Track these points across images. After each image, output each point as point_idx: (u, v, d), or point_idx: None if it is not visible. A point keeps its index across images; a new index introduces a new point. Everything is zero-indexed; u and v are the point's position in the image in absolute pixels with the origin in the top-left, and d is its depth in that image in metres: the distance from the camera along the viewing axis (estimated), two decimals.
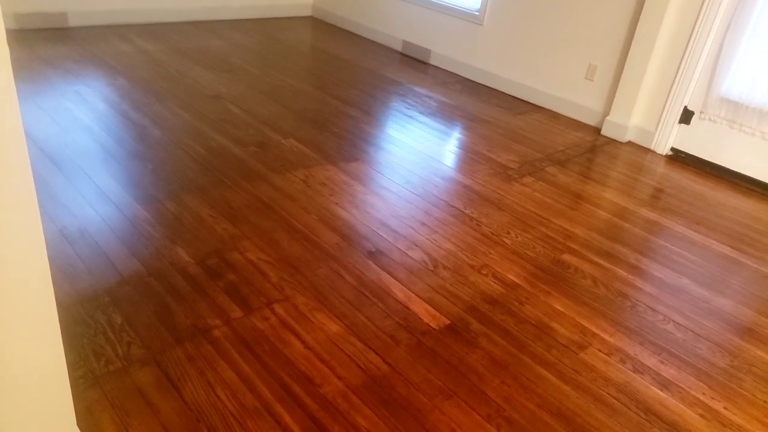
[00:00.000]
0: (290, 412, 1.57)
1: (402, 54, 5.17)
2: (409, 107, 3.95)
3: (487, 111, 4.08)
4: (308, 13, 6.01)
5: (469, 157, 3.31)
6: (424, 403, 1.66)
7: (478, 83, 4.65)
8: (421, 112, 3.88)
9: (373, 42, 5.41)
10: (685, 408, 1.76)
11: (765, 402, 1.83)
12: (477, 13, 4.62)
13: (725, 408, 1.78)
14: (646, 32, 3.60)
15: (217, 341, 1.77)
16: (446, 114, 3.92)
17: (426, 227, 2.54)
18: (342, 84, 4.21)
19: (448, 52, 4.87)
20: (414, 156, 3.23)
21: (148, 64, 4.02)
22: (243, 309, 1.91)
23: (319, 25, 5.76)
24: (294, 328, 1.87)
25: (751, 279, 2.49)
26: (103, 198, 2.41)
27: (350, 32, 5.61)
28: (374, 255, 2.30)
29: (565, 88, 4.18)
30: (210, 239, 2.25)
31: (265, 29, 5.35)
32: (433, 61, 5.00)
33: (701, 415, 1.74)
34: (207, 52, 4.48)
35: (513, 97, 4.45)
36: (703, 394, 1.83)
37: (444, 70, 4.88)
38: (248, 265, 2.13)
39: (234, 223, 2.37)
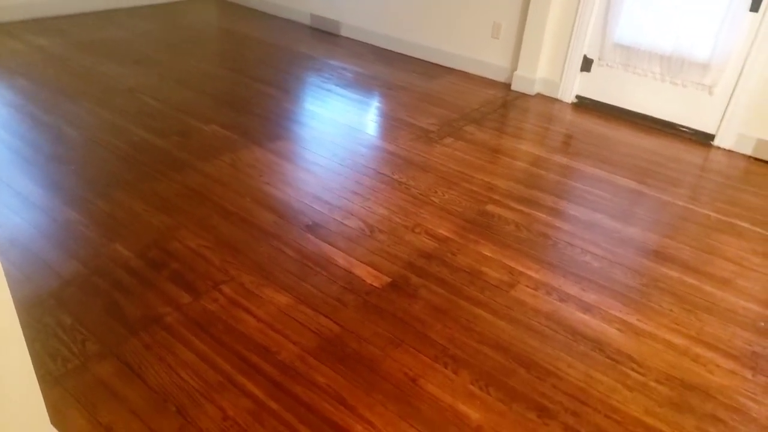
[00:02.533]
0: (252, 381, 1.66)
1: (311, 28, 5.18)
2: (326, 81, 4.00)
3: (403, 77, 4.20)
4: None
5: (391, 124, 3.42)
6: (376, 354, 1.79)
7: (391, 51, 4.75)
8: (338, 85, 3.95)
9: (281, 18, 5.37)
10: (605, 325, 1.99)
11: (670, 310, 2.09)
12: None
13: (638, 320, 2.03)
14: None
15: (171, 327, 1.82)
16: (363, 84, 4.01)
17: (358, 196, 2.65)
18: (256, 64, 4.19)
19: (358, 22, 4.92)
20: (337, 129, 3.31)
21: (47, 62, 3.84)
22: (191, 294, 1.96)
23: (222, 5, 5.64)
24: (244, 304, 1.94)
25: (654, 207, 2.78)
26: (28, 205, 2.35)
27: (256, 10, 5.53)
28: (312, 228, 2.39)
29: (473, 48, 4.35)
30: (147, 232, 2.26)
31: (167, 14, 5.18)
32: (343, 33, 5.04)
33: (619, 329, 1.98)
34: (109, 43, 4.32)
35: (425, 61, 4.58)
36: (620, 311, 2.06)
37: (355, 40, 4.94)
38: (189, 253, 2.17)
39: (168, 214, 2.38)
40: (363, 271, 2.15)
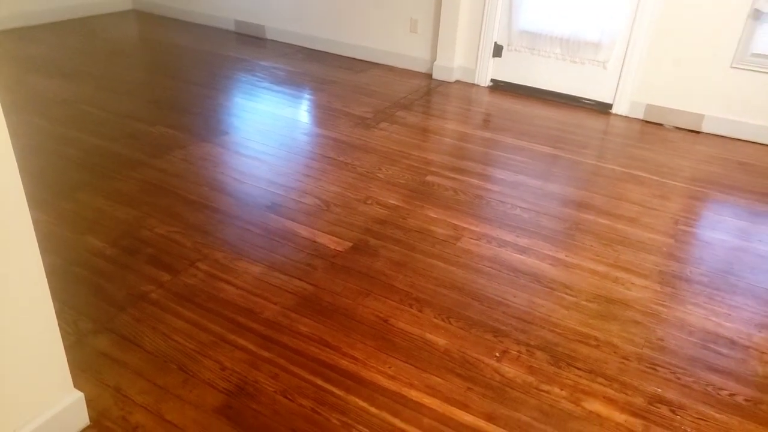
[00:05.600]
0: (243, 337, 1.84)
1: (237, 33, 5.31)
2: (260, 80, 4.17)
3: (332, 73, 4.44)
4: (129, 6, 5.84)
5: (329, 114, 3.65)
6: (349, 303, 2.02)
7: (317, 50, 4.97)
8: (272, 83, 4.13)
9: (205, 26, 5.46)
10: (539, 262, 2.32)
11: (591, 246, 2.45)
12: None
13: (566, 256, 2.37)
14: None
15: (158, 302, 1.96)
16: (296, 81, 4.21)
17: (310, 177, 2.86)
18: (189, 69, 4.29)
19: (282, 25, 5.11)
20: (278, 121, 3.50)
21: None
22: (170, 273, 2.11)
23: (144, 17, 5.65)
24: (222, 276, 2.11)
25: (568, 166, 3.17)
26: None
27: (178, 20, 5.59)
28: (272, 208, 2.58)
29: (394, 43, 4.66)
30: (116, 225, 2.37)
31: (88, 29, 5.15)
32: (269, 36, 5.21)
33: (551, 264, 2.31)
34: (34, 58, 4.27)
35: (351, 58, 4.84)
36: (550, 250, 2.40)
37: (282, 42, 5.12)
38: (161, 239, 2.30)
39: (133, 207, 2.49)
40: (326, 240, 2.37)
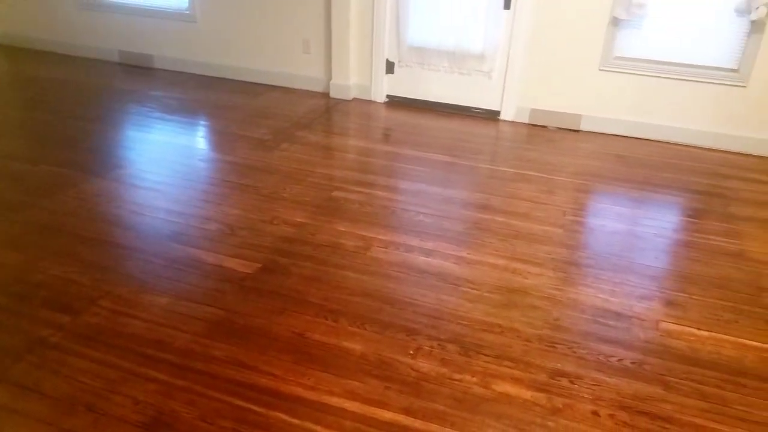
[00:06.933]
0: (154, 368, 1.79)
1: (122, 64, 5.14)
2: (152, 110, 4.07)
3: (228, 98, 4.41)
4: None
5: (226, 139, 3.63)
6: (263, 323, 2.02)
7: (211, 76, 4.92)
8: (165, 112, 4.04)
9: (86, 58, 5.24)
10: (444, 262, 2.44)
11: (490, 242, 2.61)
12: (188, 12, 4.85)
13: (468, 254, 2.51)
14: (339, 4, 4.29)
15: (59, 345, 1.87)
16: (190, 109, 4.15)
17: (211, 203, 2.83)
18: (72, 104, 4.10)
19: (171, 53, 5.01)
20: (173, 150, 3.43)
21: None
22: (70, 314, 2.01)
23: (12, 52, 5.32)
24: (126, 311, 2.04)
25: (464, 172, 3.35)
26: None
27: (55, 53, 5.32)
28: (174, 237, 2.52)
29: (289, 64, 4.71)
30: (2, 271, 2.22)
31: None
32: (158, 65, 5.09)
33: (455, 263, 2.44)
34: None
35: (247, 82, 4.83)
36: (453, 250, 2.53)
37: (172, 71, 5.02)
38: (56, 280, 2.19)
39: (21, 251, 2.35)
40: (233, 263, 2.36)
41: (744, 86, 3.62)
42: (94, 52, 5.25)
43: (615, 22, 3.74)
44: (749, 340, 2.04)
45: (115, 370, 1.78)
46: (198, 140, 3.63)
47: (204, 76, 4.94)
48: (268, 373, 1.81)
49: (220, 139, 3.64)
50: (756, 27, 3.48)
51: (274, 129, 3.85)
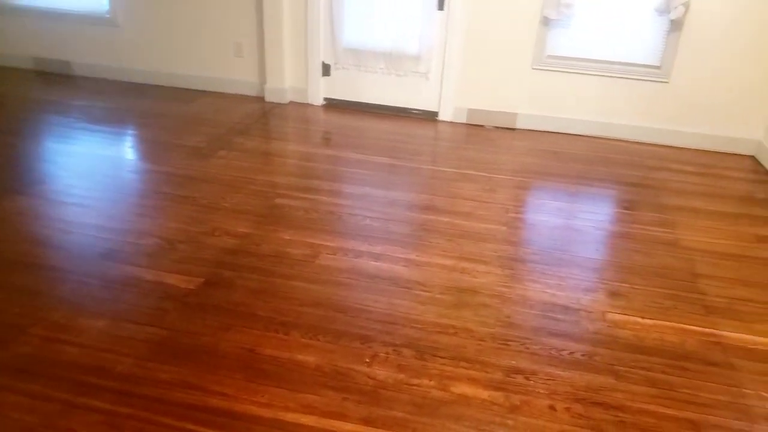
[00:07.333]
0: (96, 397, 1.68)
1: (37, 72, 4.82)
2: (75, 120, 3.84)
3: (158, 106, 4.22)
4: None
5: (158, 149, 3.47)
6: (210, 341, 1.93)
7: (137, 83, 4.70)
8: (89, 122, 3.82)
9: None
10: (393, 266, 2.42)
11: (437, 243, 2.61)
12: (108, 15, 4.61)
13: (417, 256, 2.51)
14: (272, 5, 4.20)
15: None
16: (116, 118, 3.94)
17: (146, 217, 2.69)
18: None
19: (91, 59, 4.74)
20: (102, 162, 3.24)
21: None
22: None
23: None
24: (61, 338, 1.90)
25: (407, 174, 3.35)
26: None
27: None
28: (108, 255, 2.38)
29: (221, 69, 4.57)
30: None
31: None
32: (77, 72, 4.80)
33: (404, 266, 2.43)
34: None
35: (177, 88, 4.65)
36: (401, 253, 2.52)
37: (95, 78, 4.76)
38: None
39: None
40: (174, 279, 2.25)
41: (666, 82, 3.81)
42: (5, 60, 4.90)
43: (545, 21, 3.85)
44: (689, 325, 2.14)
45: (53, 402, 1.65)
46: (128, 151, 3.45)
47: (130, 82, 4.71)
48: (219, 393, 1.73)
49: (152, 149, 3.47)
50: (675, 26, 3.68)
51: (209, 136, 3.71)
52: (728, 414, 1.74)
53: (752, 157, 3.86)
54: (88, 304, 2.08)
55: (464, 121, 4.25)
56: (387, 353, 1.92)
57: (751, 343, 2.05)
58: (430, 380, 1.82)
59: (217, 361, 1.84)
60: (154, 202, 2.84)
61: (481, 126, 4.22)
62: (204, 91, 4.60)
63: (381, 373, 1.84)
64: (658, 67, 3.81)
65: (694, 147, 3.94)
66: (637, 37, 3.77)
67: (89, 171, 3.12)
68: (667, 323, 2.14)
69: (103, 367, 1.79)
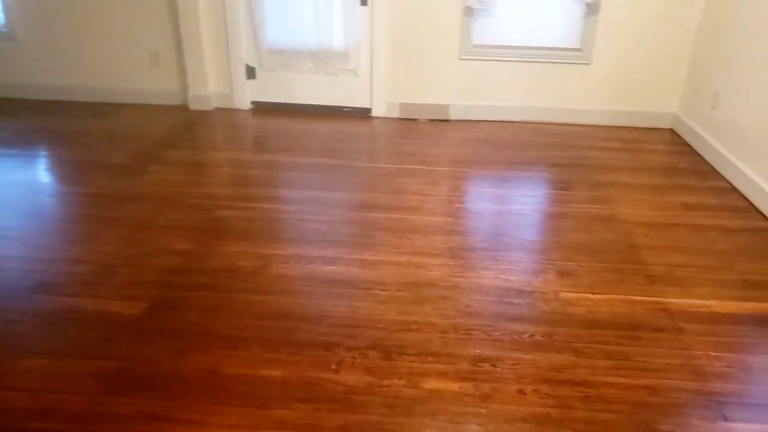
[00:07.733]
0: None
1: None
2: None
3: (75, 123, 3.97)
4: None
5: (82, 169, 3.26)
6: (167, 367, 1.83)
7: (46, 100, 4.39)
8: None
9: None
10: (349, 268, 2.39)
11: (388, 240, 2.60)
12: (5, 30, 4.28)
13: (370, 255, 2.49)
14: (187, 10, 4.03)
15: None
16: (28, 139, 3.67)
17: (77, 243, 2.52)
18: None
19: None
20: (16, 188, 3.01)
21: None
22: None
23: None
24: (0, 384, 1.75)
25: (348, 173, 3.32)
26: None
27: None
28: (39, 287, 2.21)
29: (138, 79, 4.35)
30: None
31: None
32: None
33: (359, 267, 2.40)
34: None
35: (94, 102, 4.39)
36: (354, 254, 2.49)
37: None
38: None
39: None
40: (117, 306, 2.12)
41: (588, 64, 3.98)
42: None
43: (469, 11, 3.92)
44: (635, 295, 2.24)
45: None
46: (46, 174, 3.22)
47: (38, 100, 4.40)
48: (185, 420, 1.64)
49: (74, 170, 3.25)
50: (591, 9, 3.84)
51: (134, 151, 3.52)
52: (683, 376, 1.84)
53: (671, 130, 4.11)
54: (23, 344, 1.92)
55: (397, 115, 4.26)
56: (353, 357, 1.90)
57: (693, 306, 2.18)
58: (400, 379, 1.81)
59: (178, 387, 1.75)
60: (83, 226, 2.66)
61: (415, 120, 4.25)
62: (123, 104, 4.37)
63: (350, 378, 1.81)
64: (579, 50, 3.97)
65: (618, 124, 4.15)
66: (559, 22, 3.91)
67: (5, 199, 2.89)
68: (616, 296, 2.24)
69: (52, 409, 1.66)
